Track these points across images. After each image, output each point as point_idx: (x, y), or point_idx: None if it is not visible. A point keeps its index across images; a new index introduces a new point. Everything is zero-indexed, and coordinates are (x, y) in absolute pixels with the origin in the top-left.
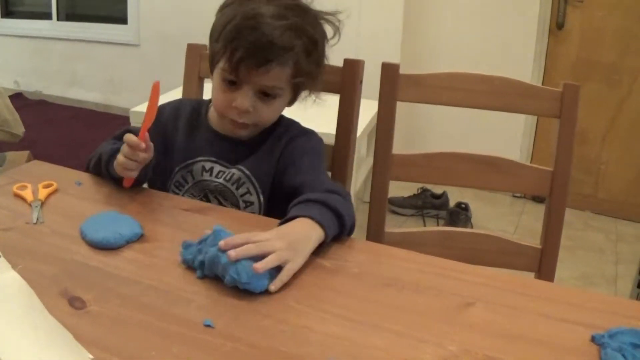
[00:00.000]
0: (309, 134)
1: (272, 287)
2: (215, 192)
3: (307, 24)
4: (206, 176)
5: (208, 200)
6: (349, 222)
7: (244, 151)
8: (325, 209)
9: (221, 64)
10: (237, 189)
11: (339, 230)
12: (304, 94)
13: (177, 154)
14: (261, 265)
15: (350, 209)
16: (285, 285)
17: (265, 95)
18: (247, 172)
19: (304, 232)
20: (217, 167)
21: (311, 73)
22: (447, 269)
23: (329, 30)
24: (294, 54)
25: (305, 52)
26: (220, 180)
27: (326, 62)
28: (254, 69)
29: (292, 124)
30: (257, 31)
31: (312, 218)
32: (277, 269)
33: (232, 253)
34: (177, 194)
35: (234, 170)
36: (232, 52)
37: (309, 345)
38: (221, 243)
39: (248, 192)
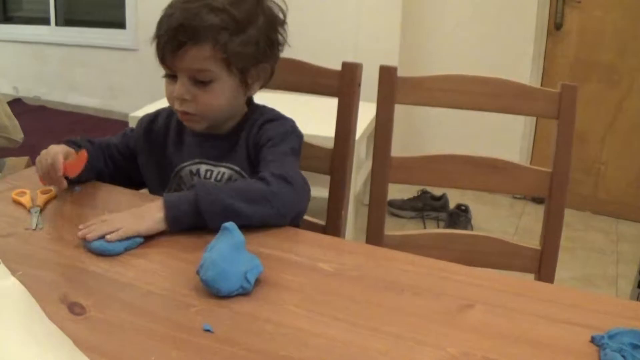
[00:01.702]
0: (281, 119)
1: (108, 237)
2: None
3: (230, 4)
4: (195, 179)
5: None
6: (206, 205)
7: (226, 146)
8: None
9: None
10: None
11: (194, 216)
12: (257, 80)
13: (169, 161)
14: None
15: (233, 200)
16: (284, 289)
17: (200, 82)
18: (236, 168)
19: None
20: (204, 167)
21: (243, 54)
22: (446, 271)
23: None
24: (209, 33)
25: (227, 31)
26: (212, 180)
27: (285, 45)
28: (174, 53)
29: (267, 111)
30: (172, 17)
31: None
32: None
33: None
34: None
35: (223, 170)
36: (157, 43)
37: (309, 349)
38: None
39: None
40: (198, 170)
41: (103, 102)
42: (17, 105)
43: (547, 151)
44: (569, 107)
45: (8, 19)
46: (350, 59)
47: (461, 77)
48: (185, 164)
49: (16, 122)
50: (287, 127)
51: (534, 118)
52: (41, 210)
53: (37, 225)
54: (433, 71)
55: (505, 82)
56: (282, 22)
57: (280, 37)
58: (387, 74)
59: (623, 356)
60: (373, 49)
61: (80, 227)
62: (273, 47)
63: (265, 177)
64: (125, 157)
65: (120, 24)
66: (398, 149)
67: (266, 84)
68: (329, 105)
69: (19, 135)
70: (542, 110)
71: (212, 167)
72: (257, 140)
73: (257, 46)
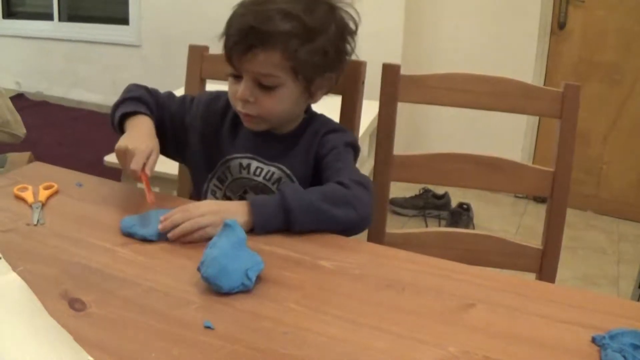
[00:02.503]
0: (343, 130)
1: (170, 235)
2: (256, 189)
3: (303, 10)
4: (244, 173)
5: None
6: (295, 204)
7: (282, 148)
8: (277, 194)
9: None
10: (278, 188)
11: (282, 216)
12: (321, 88)
13: (220, 148)
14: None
15: (321, 202)
16: (285, 287)
17: (265, 85)
18: (287, 171)
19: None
20: (255, 164)
21: (311, 62)
22: (447, 270)
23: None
24: (280, 39)
25: (298, 38)
26: (260, 179)
27: (352, 57)
28: (242, 55)
29: (329, 121)
30: (244, 17)
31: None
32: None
33: (170, 235)
34: (220, 188)
35: (273, 169)
36: (226, 41)
37: (309, 347)
38: (161, 220)
39: None
40: (249, 165)
41: (106, 97)
42: (19, 100)
43: (549, 151)
44: (571, 106)
45: (11, 14)
46: (353, 57)
47: (464, 76)
48: (236, 155)
49: (18, 117)
50: (350, 139)
51: (537, 117)
52: (42, 206)
53: (38, 220)
54: (436, 70)
55: (508, 81)
56: (353, 32)
57: (348, 47)
58: (390, 72)
59: (624, 356)
60: (376, 47)
61: (161, 222)
62: (341, 57)
63: (344, 182)
64: (176, 127)
65: (124, 20)
66: (400, 147)
67: (329, 92)
68: (332, 103)
69: (21, 130)
70: (544, 110)
71: (263, 165)
72: (319, 148)
73: (325, 56)
